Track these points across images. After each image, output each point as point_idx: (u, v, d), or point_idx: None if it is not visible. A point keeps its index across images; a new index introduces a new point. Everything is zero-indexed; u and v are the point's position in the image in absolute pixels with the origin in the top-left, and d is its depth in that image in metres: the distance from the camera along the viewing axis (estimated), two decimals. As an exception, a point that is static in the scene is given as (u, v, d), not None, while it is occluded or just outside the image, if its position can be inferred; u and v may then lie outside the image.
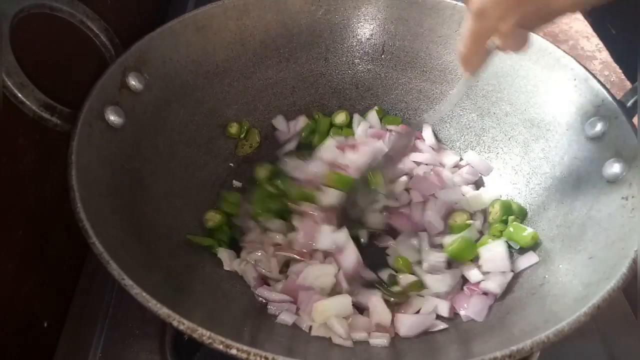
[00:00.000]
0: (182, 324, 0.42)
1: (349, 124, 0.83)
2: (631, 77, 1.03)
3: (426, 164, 0.78)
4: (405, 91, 0.83)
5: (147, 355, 0.61)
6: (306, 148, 0.79)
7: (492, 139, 0.76)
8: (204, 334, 0.41)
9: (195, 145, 0.72)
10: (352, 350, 0.56)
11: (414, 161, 0.78)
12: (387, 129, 0.81)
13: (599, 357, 0.62)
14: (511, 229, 0.66)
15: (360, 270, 0.64)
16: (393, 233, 0.70)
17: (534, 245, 0.64)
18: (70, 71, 0.64)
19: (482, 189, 0.75)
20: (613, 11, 1.10)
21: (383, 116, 0.83)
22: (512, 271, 0.62)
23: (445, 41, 0.78)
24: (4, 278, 0.54)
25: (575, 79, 0.65)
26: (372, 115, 0.83)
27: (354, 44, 0.82)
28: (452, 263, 0.66)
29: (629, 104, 0.60)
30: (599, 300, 0.45)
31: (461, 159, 0.79)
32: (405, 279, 0.64)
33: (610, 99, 0.61)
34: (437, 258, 0.65)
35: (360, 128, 0.81)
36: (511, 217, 0.68)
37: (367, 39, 0.82)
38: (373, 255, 0.67)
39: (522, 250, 0.65)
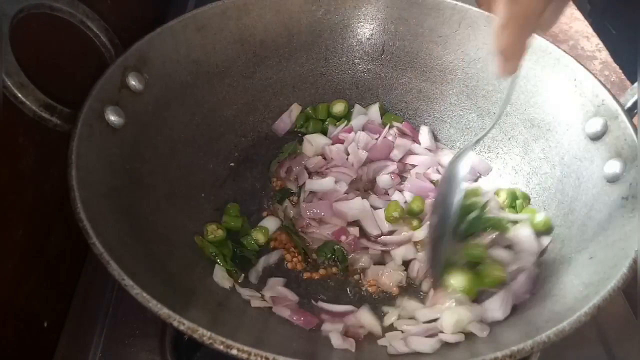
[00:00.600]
0: (183, 324, 0.42)
1: (347, 115, 0.83)
2: (631, 77, 1.03)
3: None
4: (405, 91, 0.83)
5: (147, 355, 0.61)
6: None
7: (492, 139, 0.76)
8: (204, 334, 0.41)
9: (195, 145, 0.72)
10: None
11: (410, 164, 0.78)
12: (390, 125, 0.81)
13: (599, 357, 0.62)
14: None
15: None
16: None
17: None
18: (70, 71, 0.64)
19: (480, 180, 0.76)
20: (613, 11, 1.11)
21: (384, 113, 0.83)
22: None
23: (446, 41, 0.78)
24: (4, 278, 0.54)
25: (575, 79, 0.65)
26: (374, 109, 0.82)
27: (354, 44, 0.82)
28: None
29: (629, 104, 0.61)
30: (600, 300, 0.44)
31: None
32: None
33: (610, 99, 0.61)
34: None
35: (358, 120, 0.81)
36: (519, 202, 0.68)
37: (367, 39, 0.82)
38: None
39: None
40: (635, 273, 0.47)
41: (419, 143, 0.80)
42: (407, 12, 0.79)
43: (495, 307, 0.56)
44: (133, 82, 0.63)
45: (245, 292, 0.61)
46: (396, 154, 0.77)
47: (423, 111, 0.82)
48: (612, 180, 0.57)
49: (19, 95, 0.51)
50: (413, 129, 0.81)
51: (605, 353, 0.63)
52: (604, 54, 1.17)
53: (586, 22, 1.22)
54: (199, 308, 0.53)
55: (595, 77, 0.64)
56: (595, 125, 0.62)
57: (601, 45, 1.19)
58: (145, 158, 0.63)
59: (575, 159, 0.64)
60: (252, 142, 0.80)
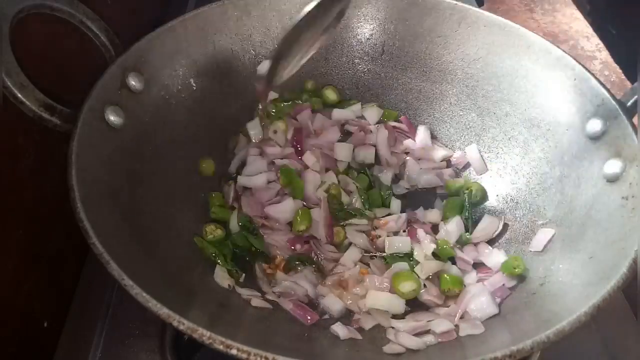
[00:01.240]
0: (182, 324, 0.42)
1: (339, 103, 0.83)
2: (631, 77, 1.03)
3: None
4: (405, 91, 0.83)
5: (147, 355, 0.61)
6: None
7: (492, 138, 0.76)
8: (204, 334, 0.41)
9: (195, 145, 0.72)
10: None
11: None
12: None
13: (599, 357, 0.62)
14: None
15: None
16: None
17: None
18: (70, 71, 0.64)
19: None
20: (613, 11, 1.10)
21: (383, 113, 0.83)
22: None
23: (446, 41, 0.78)
24: (4, 278, 0.54)
25: (575, 79, 0.65)
26: (373, 111, 0.82)
27: (354, 43, 0.82)
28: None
29: (629, 103, 0.60)
30: (599, 300, 0.44)
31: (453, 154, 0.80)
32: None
33: (610, 98, 0.61)
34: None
35: (347, 112, 0.81)
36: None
37: (367, 39, 0.82)
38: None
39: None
40: (635, 273, 0.47)
41: (415, 140, 0.80)
42: (407, 12, 0.79)
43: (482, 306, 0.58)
44: (133, 82, 0.63)
45: (245, 292, 0.61)
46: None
47: (423, 111, 0.82)
48: (612, 180, 0.57)
49: (19, 95, 0.51)
50: (410, 124, 0.81)
51: (605, 353, 0.63)
52: (604, 54, 1.17)
53: (586, 22, 1.22)
54: (199, 308, 0.53)
55: (595, 77, 0.64)
56: (595, 125, 0.61)
57: (601, 45, 1.19)
58: (145, 158, 0.63)
59: (575, 159, 0.64)
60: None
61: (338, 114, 0.81)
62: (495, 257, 0.65)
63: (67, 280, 0.67)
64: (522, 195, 0.71)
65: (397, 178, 0.78)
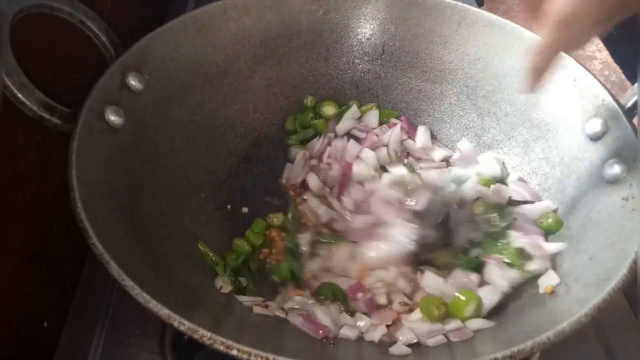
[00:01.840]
0: (183, 324, 0.42)
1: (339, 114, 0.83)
2: (631, 77, 1.03)
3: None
4: (406, 91, 0.83)
5: (147, 355, 0.61)
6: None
7: (492, 139, 0.76)
8: (204, 335, 0.41)
9: (195, 145, 0.72)
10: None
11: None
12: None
13: (599, 357, 0.62)
14: None
15: None
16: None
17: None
18: (70, 71, 0.64)
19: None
20: (613, 11, 1.10)
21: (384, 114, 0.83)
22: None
23: (446, 41, 0.78)
24: (4, 278, 0.54)
25: (575, 79, 0.65)
26: (372, 115, 0.82)
27: (354, 44, 0.82)
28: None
29: (629, 104, 0.60)
30: (600, 301, 0.44)
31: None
32: None
33: (610, 99, 0.61)
34: None
35: (343, 125, 0.81)
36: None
37: (367, 39, 0.82)
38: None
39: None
40: (635, 274, 0.47)
41: (415, 141, 0.80)
42: (407, 12, 0.78)
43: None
44: (133, 82, 0.62)
45: (245, 299, 0.60)
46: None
47: (423, 111, 0.82)
48: (612, 180, 0.57)
49: (19, 95, 0.51)
50: (411, 124, 0.81)
51: (605, 353, 0.63)
52: (604, 54, 1.17)
53: (586, 22, 1.22)
54: (199, 308, 0.53)
55: (595, 77, 0.64)
56: (595, 126, 0.61)
57: (601, 45, 1.19)
58: (146, 158, 0.63)
59: (575, 160, 0.64)
60: (252, 142, 0.80)
61: (341, 128, 0.81)
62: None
63: (67, 280, 0.67)
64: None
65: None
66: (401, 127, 0.80)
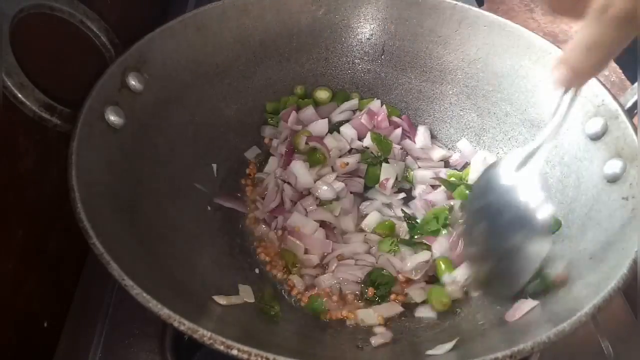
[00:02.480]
0: (183, 324, 0.42)
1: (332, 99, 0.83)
2: (631, 77, 1.03)
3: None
4: (405, 91, 0.83)
5: (147, 355, 0.61)
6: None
7: (492, 138, 0.76)
8: (204, 335, 0.41)
9: (195, 146, 0.72)
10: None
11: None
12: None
13: (599, 357, 0.62)
14: None
15: None
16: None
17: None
18: (70, 71, 0.64)
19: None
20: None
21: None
22: None
23: (445, 41, 0.78)
24: (4, 278, 0.54)
25: (575, 79, 0.65)
26: (376, 104, 0.82)
27: (354, 44, 0.82)
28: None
29: (629, 104, 0.60)
30: (600, 300, 0.44)
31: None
32: None
33: (610, 99, 0.61)
34: None
35: (342, 113, 0.81)
36: None
37: (367, 39, 0.82)
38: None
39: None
40: (636, 273, 0.47)
41: (414, 141, 0.80)
42: (407, 12, 0.78)
43: None
44: (133, 82, 0.62)
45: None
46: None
47: (423, 111, 0.82)
48: (612, 180, 0.57)
49: (19, 95, 0.51)
50: (411, 124, 0.81)
51: (605, 353, 0.62)
52: (604, 54, 1.17)
53: (586, 22, 1.22)
54: (199, 308, 0.53)
55: (596, 77, 0.64)
56: (595, 125, 0.61)
57: (601, 45, 1.19)
58: (145, 158, 0.63)
59: (575, 159, 0.63)
60: (252, 143, 0.80)
61: (336, 116, 0.81)
62: None
63: (67, 280, 0.67)
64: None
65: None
66: (402, 129, 0.81)
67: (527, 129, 0.72)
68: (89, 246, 0.46)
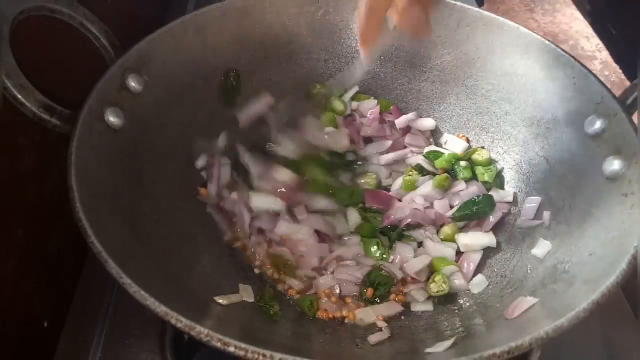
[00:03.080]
0: (180, 321, 0.42)
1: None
2: (631, 77, 1.03)
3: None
4: (405, 91, 0.83)
5: (147, 355, 0.61)
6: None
7: (492, 137, 0.76)
8: (201, 332, 0.41)
9: (195, 146, 0.72)
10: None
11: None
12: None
13: (599, 356, 0.62)
14: None
15: None
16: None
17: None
18: (70, 73, 0.64)
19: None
20: (613, 11, 1.10)
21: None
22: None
23: (445, 41, 0.78)
24: (4, 278, 0.54)
25: (574, 77, 0.65)
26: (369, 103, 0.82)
27: (353, 44, 0.82)
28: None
29: (629, 101, 0.60)
30: (598, 296, 0.44)
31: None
32: None
33: (609, 96, 0.61)
34: None
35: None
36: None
37: (367, 39, 0.82)
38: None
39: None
40: (635, 269, 0.47)
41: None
42: (406, 12, 0.79)
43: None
44: (133, 83, 0.63)
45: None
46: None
47: (422, 111, 0.82)
48: (612, 177, 0.57)
49: (19, 96, 0.51)
50: (400, 113, 0.81)
51: (605, 353, 0.62)
52: (604, 54, 1.17)
53: (586, 22, 1.23)
54: (197, 306, 0.53)
55: (594, 75, 0.64)
56: (595, 123, 0.61)
57: (601, 45, 1.19)
58: (145, 159, 0.63)
59: (574, 157, 0.63)
60: (252, 144, 0.80)
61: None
62: None
63: (67, 280, 0.67)
64: (522, 194, 0.71)
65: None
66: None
67: (526, 127, 0.71)
68: (88, 246, 0.46)
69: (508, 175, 0.74)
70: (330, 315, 0.61)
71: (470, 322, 0.57)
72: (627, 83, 1.06)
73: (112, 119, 0.59)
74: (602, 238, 0.53)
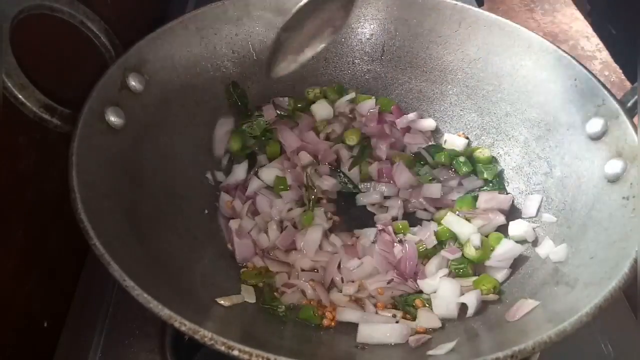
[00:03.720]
0: (184, 325, 0.42)
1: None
2: (631, 77, 1.03)
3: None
4: (406, 91, 0.83)
5: (147, 355, 0.61)
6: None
7: (493, 139, 0.76)
8: (205, 335, 0.41)
9: (195, 146, 0.72)
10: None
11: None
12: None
13: (599, 356, 0.62)
14: None
15: None
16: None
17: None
18: (70, 72, 0.64)
19: None
20: (613, 11, 1.11)
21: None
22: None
23: (446, 41, 0.78)
24: (4, 278, 0.54)
25: (575, 79, 0.65)
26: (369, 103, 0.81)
27: (354, 44, 0.82)
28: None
29: (630, 103, 0.60)
30: (601, 300, 0.44)
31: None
32: None
33: (610, 98, 0.61)
34: None
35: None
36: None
37: (367, 39, 0.82)
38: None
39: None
40: (636, 273, 0.47)
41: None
42: (407, 12, 0.79)
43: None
44: (133, 82, 0.62)
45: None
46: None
47: (423, 111, 0.82)
48: (613, 180, 0.57)
49: (19, 96, 0.51)
50: (400, 113, 0.81)
51: (605, 353, 0.63)
52: (604, 54, 1.17)
53: (586, 22, 1.23)
54: (200, 308, 0.53)
55: (596, 77, 0.64)
56: (596, 125, 0.61)
57: (601, 45, 1.19)
58: (146, 158, 0.63)
59: (575, 159, 0.64)
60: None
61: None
62: None
63: (67, 280, 0.67)
64: (522, 196, 0.71)
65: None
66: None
67: (527, 129, 0.71)
68: (89, 246, 0.46)
69: (509, 177, 0.74)
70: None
71: (471, 325, 0.58)
72: (627, 83, 1.07)
73: (113, 118, 0.59)
74: (603, 241, 0.53)
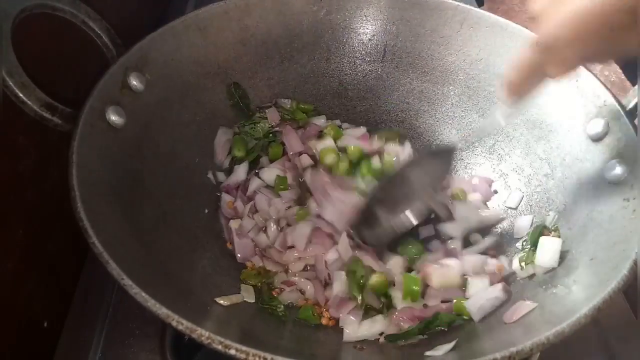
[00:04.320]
0: (181, 323, 0.41)
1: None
2: (631, 77, 1.03)
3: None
4: (407, 92, 0.83)
5: (147, 355, 0.61)
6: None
7: (494, 139, 0.76)
8: (202, 334, 0.41)
9: (196, 146, 0.72)
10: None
11: None
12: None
13: (599, 357, 0.62)
14: None
15: None
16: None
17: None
18: (71, 71, 0.64)
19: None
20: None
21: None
22: None
23: (447, 42, 0.78)
24: (4, 278, 0.54)
25: (576, 80, 0.65)
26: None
27: (356, 44, 0.82)
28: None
29: (631, 105, 0.60)
30: (600, 301, 0.44)
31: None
32: None
33: (612, 100, 0.60)
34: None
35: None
36: None
37: (369, 39, 0.82)
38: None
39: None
40: (636, 274, 0.47)
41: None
42: (409, 12, 0.78)
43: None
44: (134, 82, 0.63)
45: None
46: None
47: (424, 112, 0.82)
48: (614, 181, 0.57)
49: (20, 94, 0.51)
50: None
51: (605, 353, 0.62)
52: (605, 55, 1.17)
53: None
54: (199, 308, 0.53)
55: (597, 78, 0.64)
56: (597, 126, 0.61)
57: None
58: (146, 158, 0.63)
59: (576, 160, 0.63)
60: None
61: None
62: None
63: (67, 280, 0.67)
64: (523, 197, 0.71)
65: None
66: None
67: (528, 130, 0.71)
68: (89, 246, 0.46)
69: (509, 178, 0.73)
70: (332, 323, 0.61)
71: (469, 326, 0.57)
72: (627, 83, 1.07)
73: (114, 117, 0.59)
74: (604, 243, 0.53)
